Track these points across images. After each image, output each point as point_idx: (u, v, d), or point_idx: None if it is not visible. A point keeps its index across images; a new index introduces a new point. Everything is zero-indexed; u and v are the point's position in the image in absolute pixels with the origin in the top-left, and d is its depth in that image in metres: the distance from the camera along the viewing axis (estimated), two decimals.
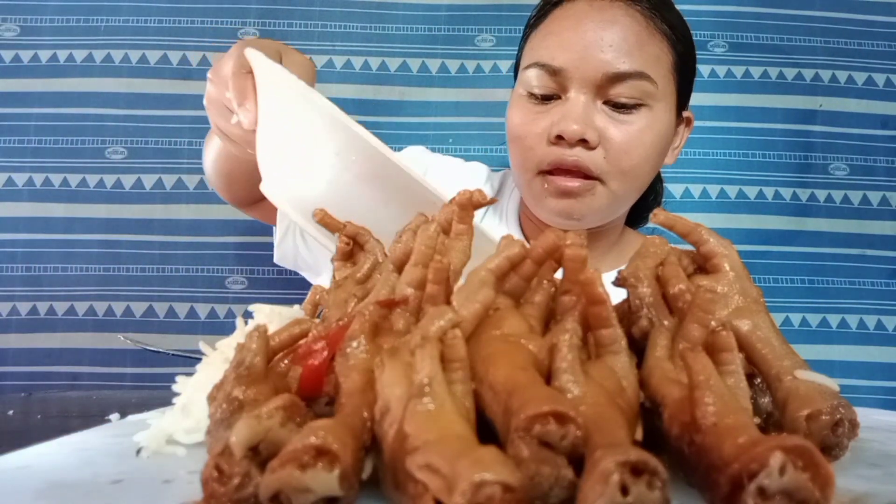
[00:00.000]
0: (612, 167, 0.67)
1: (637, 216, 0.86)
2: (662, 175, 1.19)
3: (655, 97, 0.68)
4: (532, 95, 0.70)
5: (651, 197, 0.85)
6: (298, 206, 0.53)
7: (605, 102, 0.67)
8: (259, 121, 0.54)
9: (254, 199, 0.80)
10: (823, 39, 1.18)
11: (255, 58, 0.54)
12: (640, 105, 0.67)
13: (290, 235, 0.79)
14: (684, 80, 0.73)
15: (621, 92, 0.66)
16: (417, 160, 0.85)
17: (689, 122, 0.78)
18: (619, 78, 0.66)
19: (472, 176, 0.85)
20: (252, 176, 0.74)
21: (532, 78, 0.69)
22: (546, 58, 0.68)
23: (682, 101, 0.74)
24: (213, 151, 0.75)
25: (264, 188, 0.55)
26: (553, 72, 0.67)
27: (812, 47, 1.17)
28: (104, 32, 1.12)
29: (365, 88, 1.14)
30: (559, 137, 0.66)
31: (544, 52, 0.69)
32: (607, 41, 0.66)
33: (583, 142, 0.66)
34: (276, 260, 0.83)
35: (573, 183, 0.67)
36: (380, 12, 1.15)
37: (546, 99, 0.69)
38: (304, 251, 0.80)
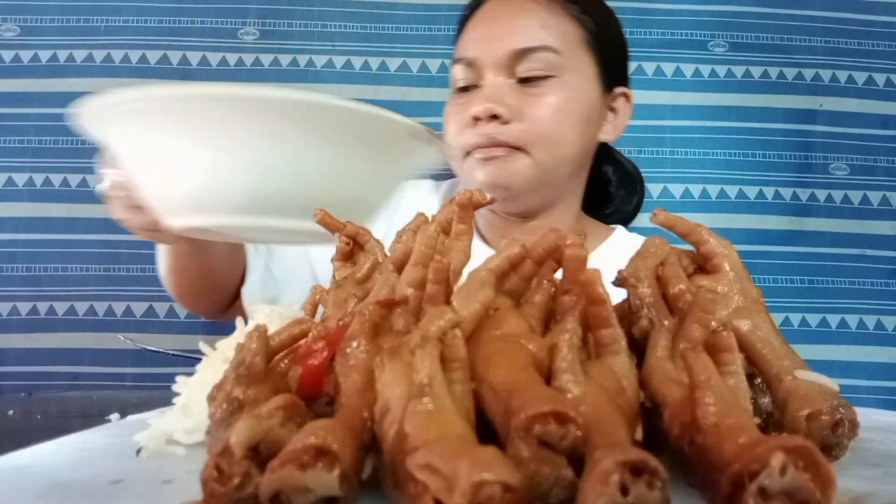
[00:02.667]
0: (531, 137, 0.71)
1: (615, 210, 0.88)
2: (664, 175, 1.20)
3: (564, 68, 0.72)
4: (458, 90, 0.75)
5: (629, 188, 0.88)
6: (212, 210, 0.46)
7: (519, 81, 0.72)
8: (121, 163, 0.49)
9: (227, 301, 0.78)
10: (824, 39, 1.18)
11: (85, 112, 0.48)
12: (548, 76, 0.72)
13: (255, 273, 0.77)
14: (605, 55, 0.76)
15: (528, 67, 0.71)
16: None
17: (627, 97, 0.80)
18: (523, 53, 0.71)
19: (417, 192, 0.86)
20: (215, 277, 0.73)
21: (455, 73, 0.75)
22: (462, 53, 0.75)
23: (609, 76, 0.77)
24: (163, 267, 0.73)
25: (173, 221, 0.48)
26: (468, 63, 0.74)
27: (812, 47, 1.17)
28: (104, 32, 1.13)
29: (365, 88, 1.14)
30: (475, 119, 0.71)
31: (461, 48, 0.76)
32: (509, 24, 0.73)
33: (495, 118, 0.70)
34: (245, 302, 0.77)
35: (495, 152, 0.71)
36: (380, 12, 1.15)
37: (466, 90, 0.74)
38: (276, 269, 0.77)
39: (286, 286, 0.77)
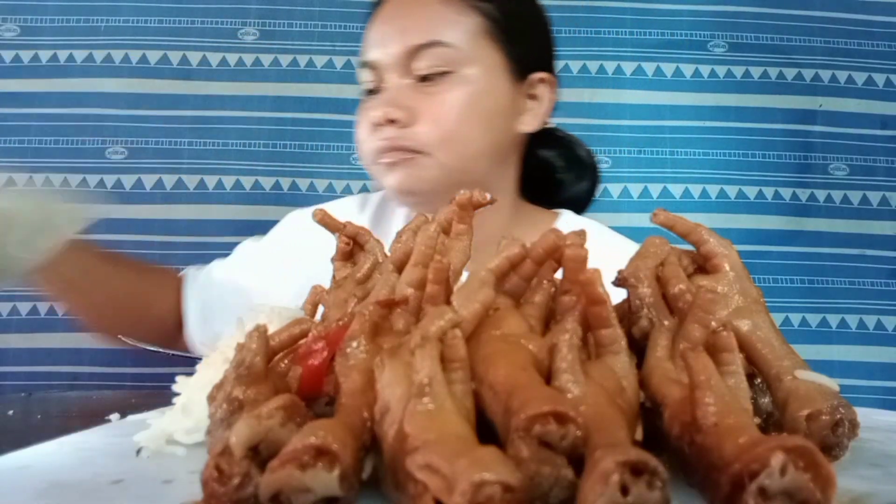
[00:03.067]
0: (430, 138, 0.68)
1: (569, 196, 0.84)
2: (664, 175, 1.20)
3: (461, 62, 0.69)
4: (366, 93, 0.74)
5: (577, 171, 0.84)
6: None
7: (419, 80, 0.70)
8: None
9: (161, 334, 0.78)
10: (823, 39, 1.18)
11: None
12: (445, 73, 0.69)
13: (194, 313, 0.76)
14: (514, 43, 0.73)
15: (424, 64, 0.69)
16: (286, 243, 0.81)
17: (549, 83, 0.76)
18: (415, 51, 0.69)
19: (344, 214, 0.83)
20: (120, 309, 0.74)
21: (361, 77, 0.74)
22: (364, 56, 0.73)
23: (522, 64, 0.74)
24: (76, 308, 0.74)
25: None
26: (370, 67, 0.71)
27: (812, 47, 1.18)
28: (104, 32, 1.13)
29: None
30: (376, 125, 0.69)
31: (364, 51, 0.73)
32: (404, 24, 0.70)
33: (393, 122, 0.68)
34: (190, 339, 0.76)
35: (397, 156, 0.69)
36: None
37: (372, 93, 0.73)
38: (215, 307, 0.76)
39: (226, 324, 0.75)
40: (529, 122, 0.75)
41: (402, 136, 0.68)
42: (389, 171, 0.70)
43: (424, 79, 0.69)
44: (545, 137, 0.80)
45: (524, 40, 0.75)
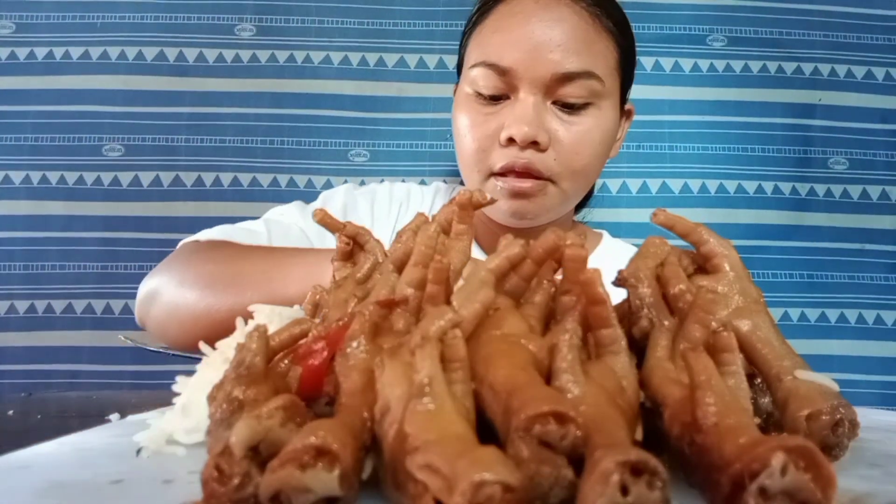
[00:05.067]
0: (563, 168, 0.67)
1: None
2: (663, 170, 1.19)
3: (602, 96, 0.68)
4: (479, 95, 0.68)
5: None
6: None
7: (555, 103, 0.67)
8: None
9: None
10: (822, 33, 1.17)
11: None
12: (588, 105, 0.67)
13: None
14: (627, 74, 0.73)
15: (570, 92, 0.66)
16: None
17: (629, 114, 0.77)
18: (568, 78, 0.65)
19: (424, 195, 0.84)
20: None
21: (479, 77, 0.68)
22: (494, 57, 0.67)
23: (624, 95, 0.74)
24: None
25: None
26: (502, 72, 0.66)
27: (811, 41, 1.17)
28: (100, 29, 1.12)
29: (362, 84, 1.13)
30: (510, 140, 0.65)
31: (491, 50, 0.67)
32: (556, 40, 0.65)
33: (534, 144, 0.65)
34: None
35: (526, 184, 0.66)
36: (377, 7, 1.15)
37: (494, 99, 0.68)
38: None
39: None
40: (614, 150, 0.75)
41: (538, 161, 0.66)
42: (510, 196, 0.67)
43: (566, 105, 0.66)
44: None
45: (631, 72, 0.74)
